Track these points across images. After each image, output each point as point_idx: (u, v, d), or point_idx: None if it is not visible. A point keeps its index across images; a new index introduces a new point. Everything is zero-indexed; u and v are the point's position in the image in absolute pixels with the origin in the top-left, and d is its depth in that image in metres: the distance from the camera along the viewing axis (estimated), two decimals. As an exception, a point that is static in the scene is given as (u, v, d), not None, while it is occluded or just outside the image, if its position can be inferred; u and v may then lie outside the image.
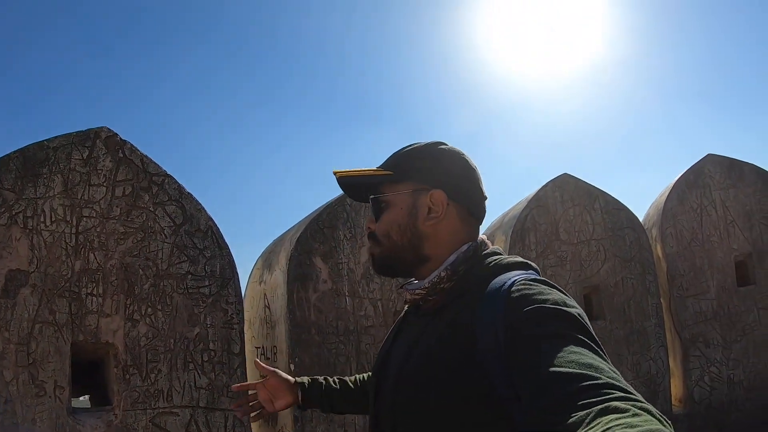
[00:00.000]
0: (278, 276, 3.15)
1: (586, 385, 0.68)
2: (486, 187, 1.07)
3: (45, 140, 2.78)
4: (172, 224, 2.82)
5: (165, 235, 2.79)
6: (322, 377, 1.32)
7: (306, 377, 1.31)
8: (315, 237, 3.21)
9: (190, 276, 2.80)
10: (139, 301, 2.72)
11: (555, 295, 0.85)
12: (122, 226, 2.75)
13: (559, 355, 0.73)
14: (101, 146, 2.80)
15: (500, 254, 1.00)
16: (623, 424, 0.60)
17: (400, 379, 0.96)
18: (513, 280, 0.89)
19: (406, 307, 1.10)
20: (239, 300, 2.87)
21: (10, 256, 2.65)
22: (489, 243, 1.03)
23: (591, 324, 0.86)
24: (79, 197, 2.74)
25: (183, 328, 2.76)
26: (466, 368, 0.85)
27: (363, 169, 1.05)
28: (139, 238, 2.75)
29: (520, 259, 0.99)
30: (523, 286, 0.87)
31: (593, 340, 0.79)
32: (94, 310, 2.70)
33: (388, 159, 1.06)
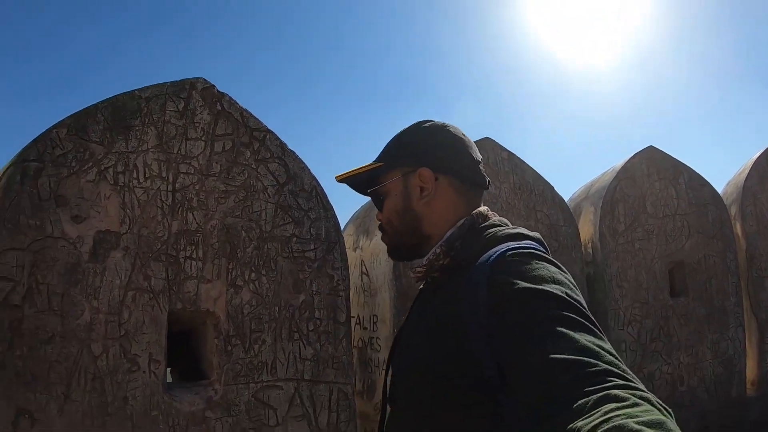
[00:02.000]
0: (379, 241, 2.93)
1: (584, 373, 0.65)
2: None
3: (136, 90, 2.54)
4: (276, 183, 2.60)
5: (268, 194, 2.58)
6: None
7: None
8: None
9: (295, 239, 2.59)
10: (242, 266, 2.51)
11: (542, 270, 0.79)
12: (223, 184, 2.53)
13: (551, 340, 0.70)
14: (198, 98, 2.57)
15: (501, 226, 0.96)
16: (623, 414, 0.58)
17: (401, 355, 0.98)
18: (499, 252, 0.84)
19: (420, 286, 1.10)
20: (345, 265, 2.67)
21: (98, 216, 2.41)
22: (491, 215, 1.00)
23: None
24: (175, 152, 2.51)
25: (288, 294, 2.55)
26: (453, 349, 0.83)
27: (358, 167, 1.06)
28: (241, 197, 2.54)
29: (521, 229, 0.94)
30: (508, 261, 0.82)
31: (586, 318, 0.74)
32: (194, 275, 2.48)
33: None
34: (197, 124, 2.54)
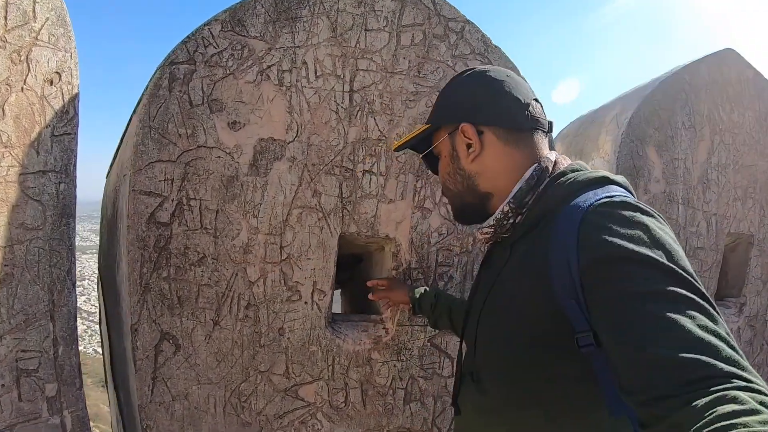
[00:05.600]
0: (599, 166, 2.42)
1: (700, 374, 0.58)
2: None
3: (302, -24, 2.11)
4: (474, 86, 2.11)
5: (465, 99, 2.09)
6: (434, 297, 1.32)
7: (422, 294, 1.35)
8: (650, 120, 2.42)
9: (496, 156, 2.09)
10: (432, 184, 2.01)
11: (640, 227, 0.69)
12: (412, 83, 2.05)
13: (658, 328, 0.61)
14: (381, -18, 2.10)
15: (578, 170, 0.87)
16: (739, 423, 0.52)
17: (482, 314, 0.94)
18: (590, 203, 0.75)
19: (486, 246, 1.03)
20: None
21: (260, 122, 1.97)
22: (562, 160, 0.92)
23: None
24: (352, 45, 2.05)
25: (486, 224, 2.06)
26: (539, 307, 0.78)
27: (412, 132, 1.02)
28: (434, 101, 2.05)
29: (603, 173, 0.85)
30: (601, 215, 0.73)
31: (695, 291, 0.64)
32: (373, 193, 2.03)
33: None
34: (379, 13, 2.07)
